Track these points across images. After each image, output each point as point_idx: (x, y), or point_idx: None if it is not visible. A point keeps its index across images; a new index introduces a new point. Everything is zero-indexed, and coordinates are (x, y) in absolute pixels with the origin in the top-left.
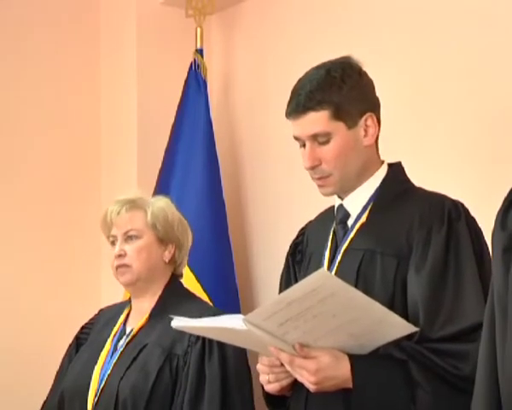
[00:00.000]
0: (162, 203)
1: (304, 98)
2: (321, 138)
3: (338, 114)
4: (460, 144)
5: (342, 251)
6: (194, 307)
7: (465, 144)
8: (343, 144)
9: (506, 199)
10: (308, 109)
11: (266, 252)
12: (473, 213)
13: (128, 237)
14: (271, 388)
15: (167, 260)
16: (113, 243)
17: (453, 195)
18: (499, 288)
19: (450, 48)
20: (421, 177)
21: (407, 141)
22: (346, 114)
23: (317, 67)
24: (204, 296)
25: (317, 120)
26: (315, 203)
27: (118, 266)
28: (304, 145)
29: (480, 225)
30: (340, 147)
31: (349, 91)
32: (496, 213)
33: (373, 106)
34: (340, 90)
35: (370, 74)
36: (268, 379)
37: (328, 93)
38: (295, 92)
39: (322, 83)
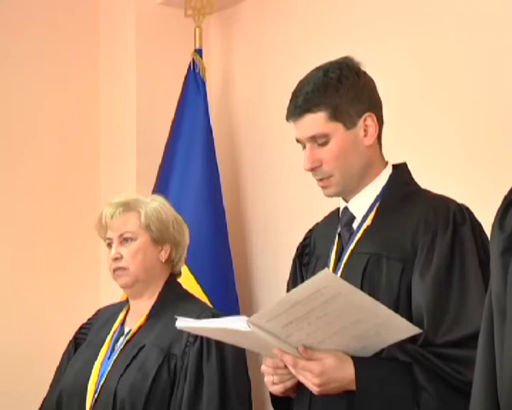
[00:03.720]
0: (156, 204)
1: (301, 100)
2: (320, 140)
3: (335, 115)
4: (464, 145)
5: (347, 254)
6: (192, 308)
7: (469, 145)
8: (342, 145)
9: (504, 200)
10: (305, 111)
11: (265, 252)
12: (476, 214)
13: (123, 240)
14: (276, 389)
15: (164, 260)
16: (109, 246)
17: (457, 195)
18: (497, 289)
19: (455, 48)
20: (425, 178)
21: (411, 141)
22: (344, 114)
23: (316, 69)
24: (203, 297)
25: (315, 121)
26: (314, 202)
27: (114, 269)
28: (305, 147)
29: (484, 226)
30: (339, 147)
31: (346, 92)
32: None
33: (373, 105)
34: (336, 92)
35: (373, 75)
36: (272, 381)
37: (324, 95)
38: (294, 95)
39: (318, 85)
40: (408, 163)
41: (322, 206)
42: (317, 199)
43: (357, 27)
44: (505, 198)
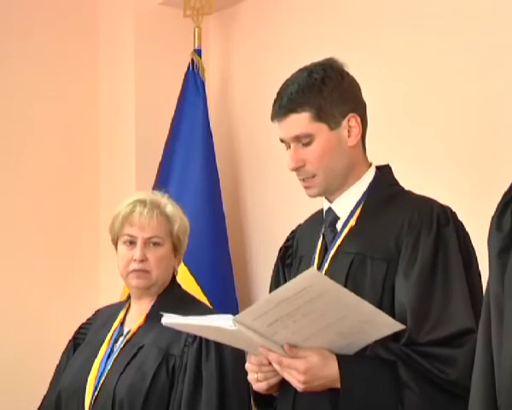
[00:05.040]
0: (182, 214)
1: (286, 101)
2: (304, 140)
3: (319, 116)
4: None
5: (332, 254)
6: (191, 309)
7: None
8: (326, 145)
9: (502, 200)
10: (289, 112)
11: (264, 253)
12: (459, 215)
13: (150, 243)
14: (259, 386)
15: (177, 269)
16: (129, 243)
17: (440, 197)
18: (495, 289)
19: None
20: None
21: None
22: (328, 115)
23: (301, 70)
24: (203, 298)
25: (299, 121)
26: (313, 204)
27: (135, 270)
28: (289, 147)
29: (467, 228)
30: (322, 148)
31: (330, 93)
32: (483, 215)
33: (356, 106)
34: (320, 92)
35: (363, 75)
36: (256, 378)
37: (308, 95)
38: (279, 95)
39: (303, 85)
40: (391, 165)
41: (320, 204)
42: (316, 200)
43: (355, 29)
44: (503, 196)
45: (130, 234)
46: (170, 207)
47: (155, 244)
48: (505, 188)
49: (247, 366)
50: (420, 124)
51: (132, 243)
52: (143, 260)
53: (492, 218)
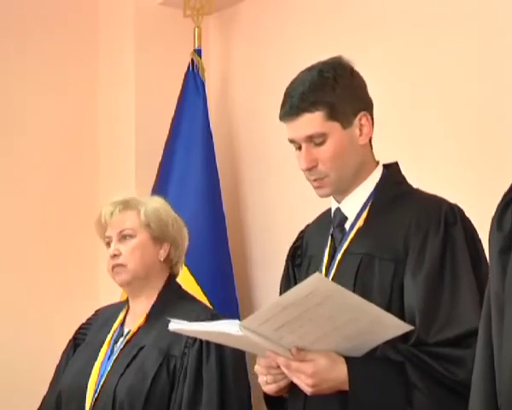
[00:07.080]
0: (156, 203)
1: (297, 100)
2: (317, 139)
3: (333, 115)
4: (455, 145)
5: (340, 255)
6: (191, 309)
7: (460, 145)
8: (339, 144)
9: (502, 200)
10: (303, 111)
11: (264, 253)
12: (468, 213)
13: (122, 237)
14: (269, 389)
15: (163, 259)
16: (108, 245)
17: (448, 195)
18: (496, 288)
19: (446, 51)
20: (416, 177)
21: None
22: (341, 113)
23: (309, 69)
24: (203, 298)
25: (312, 121)
26: (313, 203)
27: (113, 266)
28: (299, 148)
29: (475, 226)
30: (336, 147)
31: (342, 91)
32: (485, 214)
33: (366, 105)
34: (333, 91)
35: (367, 74)
36: (266, 380)
37: (321, 94)
38: (288, 95)
39: (315, 84)
40: (399, 163)
41: (322, 206)
42: (317, 198)
43: (355, 29)
44: (504, 196)
45: (106, 235)
46: (139, 200)
47: (128, 237)
48: (507, 187)
49: (256, 368)
50: (424, 123)
51: (110, 242)
52: (116, 254)
53: (493, 218)
